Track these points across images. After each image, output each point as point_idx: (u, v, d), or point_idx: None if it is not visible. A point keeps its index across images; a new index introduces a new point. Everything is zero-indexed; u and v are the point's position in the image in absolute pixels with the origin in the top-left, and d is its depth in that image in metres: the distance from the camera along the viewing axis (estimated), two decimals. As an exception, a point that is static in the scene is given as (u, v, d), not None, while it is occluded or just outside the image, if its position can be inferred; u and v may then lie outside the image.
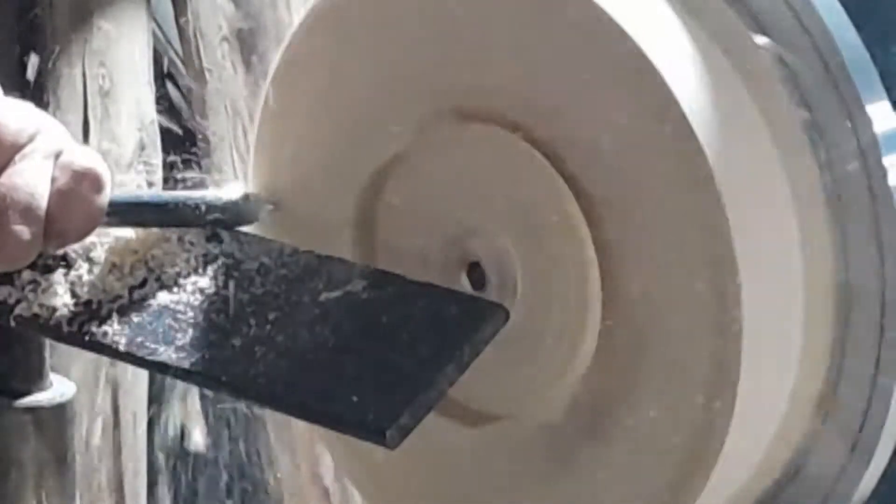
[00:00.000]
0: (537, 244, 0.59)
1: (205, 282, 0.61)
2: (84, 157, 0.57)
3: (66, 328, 0.60)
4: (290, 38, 0.65)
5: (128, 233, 0.62)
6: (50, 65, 1.30)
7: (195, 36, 1.30)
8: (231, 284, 0.61)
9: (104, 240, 0.62)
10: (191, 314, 0.60)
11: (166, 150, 1.30)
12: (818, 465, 0.59)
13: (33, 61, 1.22)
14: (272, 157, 0.67)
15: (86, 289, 0.61)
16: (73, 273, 0.61)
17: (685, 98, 0.54)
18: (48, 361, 0.77)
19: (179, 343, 0.59)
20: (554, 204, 0.58)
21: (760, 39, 0.58)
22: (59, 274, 0.61)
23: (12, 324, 0.60)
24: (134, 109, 1.29)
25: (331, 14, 0.63)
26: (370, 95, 0.63)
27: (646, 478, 0.58)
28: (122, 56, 1.32)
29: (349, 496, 1.11)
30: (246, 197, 0.65)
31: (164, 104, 1.36)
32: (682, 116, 0.54)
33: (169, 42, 1.47)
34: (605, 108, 0.56)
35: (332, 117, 0.65)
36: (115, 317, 0.60)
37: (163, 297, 0.61)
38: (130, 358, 0.60)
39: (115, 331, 0.59)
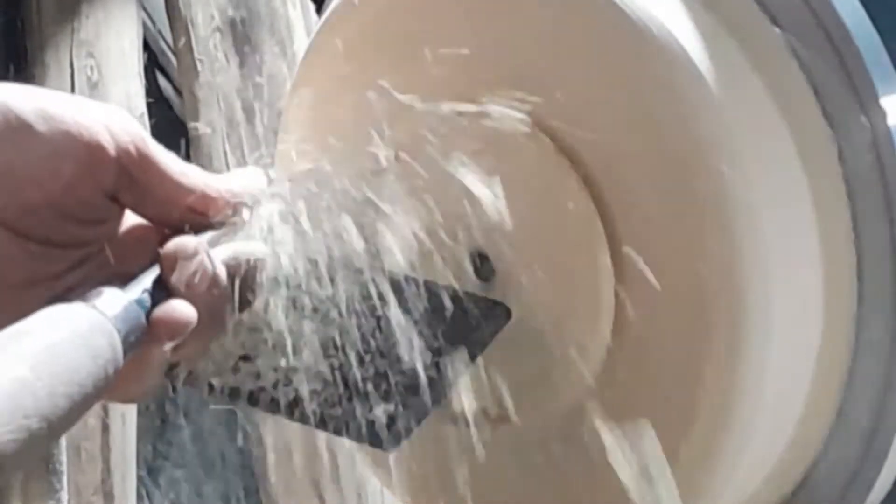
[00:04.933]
0: (549, 238, 0.58)
1: None
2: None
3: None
4: (318, 26, 0.66)
5: None
6: (36, 54, 1.29)
7: (187, 26, 1.28)
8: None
9: None
10: None
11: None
12: (830, 470, 0.59)
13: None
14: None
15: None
16: None
17: (702, 98, 0.54)
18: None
19: None
20: (568, 198, 0.57)
21: (774, 31, 0.57)
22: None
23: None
24: (123, 101, 1.28)
25: (351, 9, 0.63)
26: (384, 87, 0.63)
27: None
28: (110, 46, 1.30)
29: (345, 499, 1.10)
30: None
31: (155, 96, 1.35)
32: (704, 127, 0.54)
33: (159, 32, 1.46)
34: (620, 104, 0.56)
35: (346, 110, 0.65)
36: None
37: None
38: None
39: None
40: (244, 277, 0.53)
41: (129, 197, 0.53)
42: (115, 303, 0.47)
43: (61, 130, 0.50)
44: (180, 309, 0.50)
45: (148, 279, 0.50)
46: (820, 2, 0.56)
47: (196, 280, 0.50)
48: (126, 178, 0.52)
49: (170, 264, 0.50)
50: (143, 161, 0.52)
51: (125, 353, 0.47)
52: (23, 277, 0.51)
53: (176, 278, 0.50)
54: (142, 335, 0.48)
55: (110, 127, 0.51)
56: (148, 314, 0.49)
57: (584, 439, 0.59)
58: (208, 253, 0.51)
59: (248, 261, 0.53)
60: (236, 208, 0.55)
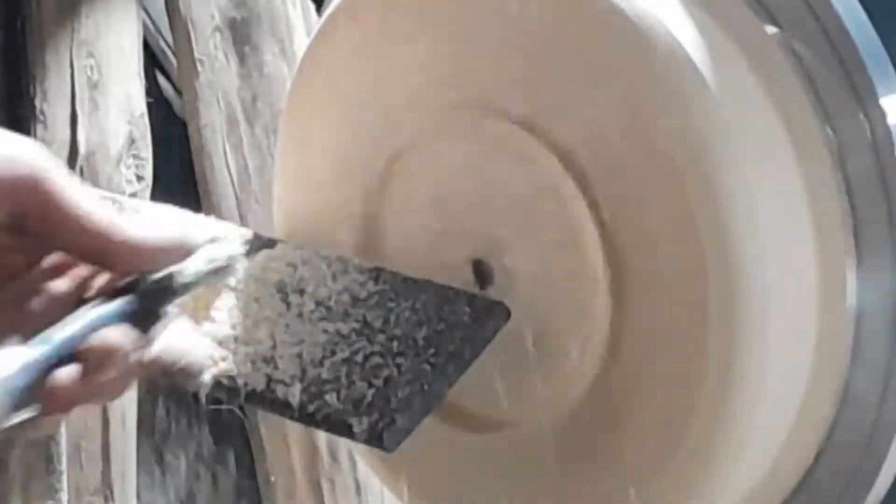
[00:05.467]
0: (544, 242, 0.58)
1: None
2: None
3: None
4: (314, 35, 0.65)
5: None
6: (36, 54, 1.29)
7: (187, 26, 1.28)
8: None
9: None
10: None
11: (156, 143, 1.28)
12: (829, 471, 0.59)
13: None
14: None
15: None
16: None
17: (699, 97, 0.54)
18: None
19: None
20: (563, 201, 0.57)
21: (771, 30, 0.57)
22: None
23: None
24: (123, 102, 1.28)
25: (349, 12, 0.63)
26: (382, 90, 0.63)
27: (657, 470, 0.57)
28: (111, 46, 1.30)
29: (345, 499, 1.10)
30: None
31: (155, 96, 1.35)
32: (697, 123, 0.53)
33: (159, 32, 1.46)
34: (617, 104, 0.56)
35: (345, 113, 0.65)
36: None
37: None
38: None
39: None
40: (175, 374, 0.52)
41: (36, 228, 0.50)
42: (9, 362, 0.46)
43: None
44: (72, 386, 0.47)
45: (58, 334, 0.48)
46: (820, 2, 0.56)
47: (112, 377, 0.48)
48: (33, 212, 0.49)
49: (94, 361, 0.48)
50: (43, 196, 0.49)
51: (16, 409, 0.45)
52: None
53: (93, 372, 0.48)
54: (37, 396, 0.46)
55: (12, 158, 0.48)
56: (47, 374, 0.47)
57: (580, 441, 0.59)
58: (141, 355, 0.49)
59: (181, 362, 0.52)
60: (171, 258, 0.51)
